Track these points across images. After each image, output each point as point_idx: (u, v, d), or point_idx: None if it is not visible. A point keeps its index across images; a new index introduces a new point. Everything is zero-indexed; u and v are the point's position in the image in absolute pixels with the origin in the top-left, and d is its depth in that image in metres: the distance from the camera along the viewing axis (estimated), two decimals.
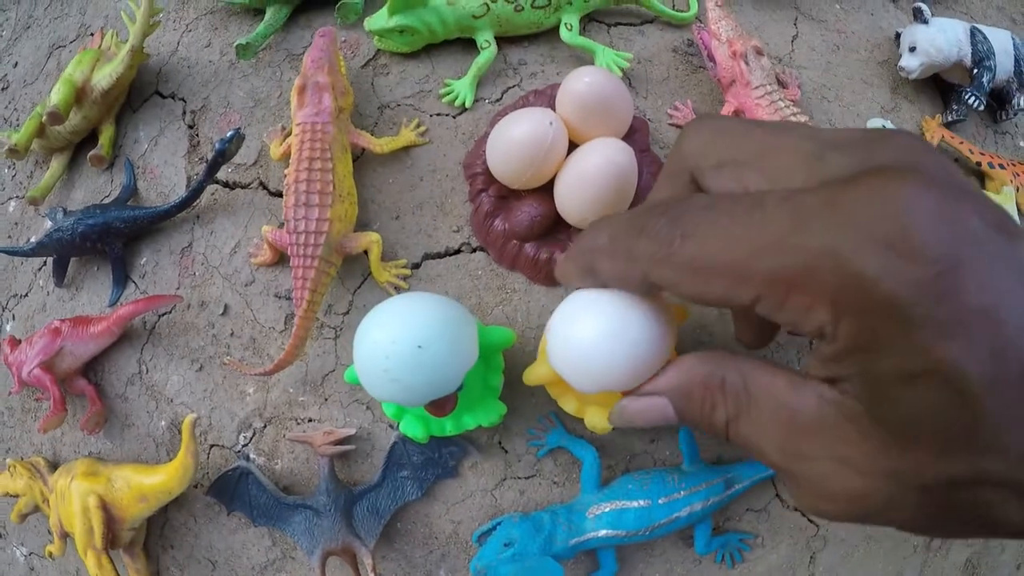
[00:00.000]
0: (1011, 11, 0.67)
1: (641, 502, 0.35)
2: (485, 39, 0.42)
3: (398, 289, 0.40)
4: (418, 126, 0.42)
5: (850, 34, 0.52)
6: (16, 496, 0.52)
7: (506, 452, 0.40)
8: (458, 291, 0.40)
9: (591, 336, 0.19)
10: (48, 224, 0.53)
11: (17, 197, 0.60)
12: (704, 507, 0.36)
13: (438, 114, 0.43)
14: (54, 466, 0.53)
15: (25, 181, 0.60)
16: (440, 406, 0.32)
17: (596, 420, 0.31)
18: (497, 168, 0.36)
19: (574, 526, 0.35)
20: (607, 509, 0.35)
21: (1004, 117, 0.55)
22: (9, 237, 0.60)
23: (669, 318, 0.21)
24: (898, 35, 0.54)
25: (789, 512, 0.44)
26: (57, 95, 0.48)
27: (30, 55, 0.66)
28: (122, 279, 0.49)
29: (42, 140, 0.52)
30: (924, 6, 0.50)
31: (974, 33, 0.53)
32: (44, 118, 0.48)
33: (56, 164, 0.55)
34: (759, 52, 0.40)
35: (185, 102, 0.50)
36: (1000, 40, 0.55)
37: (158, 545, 0.49)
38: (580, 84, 0.34)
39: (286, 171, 0.39)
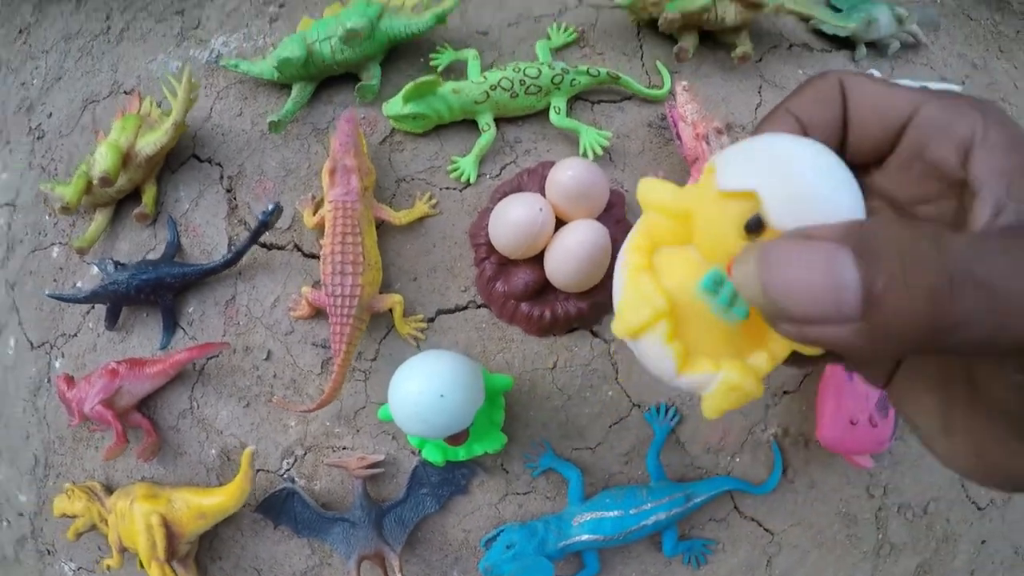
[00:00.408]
0: (971, 57, 0.79)
1: (616, 512, 0.49)
2: (486, 122, 0.55)
3: (417, 340, 0.54)
4: (430, 199, 0.55)
5: None
6: (73, 517, 0.66)
7: (507, 473, 0.53)
8: (466, 341, 0.53)
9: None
10: (99, 274, 0.67)
11: (60, 243, 0.74)
12: (668, 516, 0.49)
13: (447, 188, 0.56)
14: (108, 490, 0.68)
15: (67, 228, 0.74)
16: (456, 438, 0.45)
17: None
18: (497, 242, 0.49)
19: (562, 532, 0.49)
20: (588, 518, 0.49)
21: None
22: (54, 281, 0.74)
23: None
24: None
25: (747, 522, 0.57)
26: (106, 161, 0.61)
27: (64, 107, 0.79)
28: (172, 326, 0.62)
29: (88, 196, 0.66)
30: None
31: None
32: (96, 182, 0.62)
33: (101, 217, 0.68)
34: (719, 132, 0.53)
35: (222, 167, 0.63)
36: None
37: (207, 556, 0.63)
38: (564, 176, 0.47)
39: (320, 240, 0.52)
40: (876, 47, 0.70)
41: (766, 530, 0.54)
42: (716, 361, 0.16)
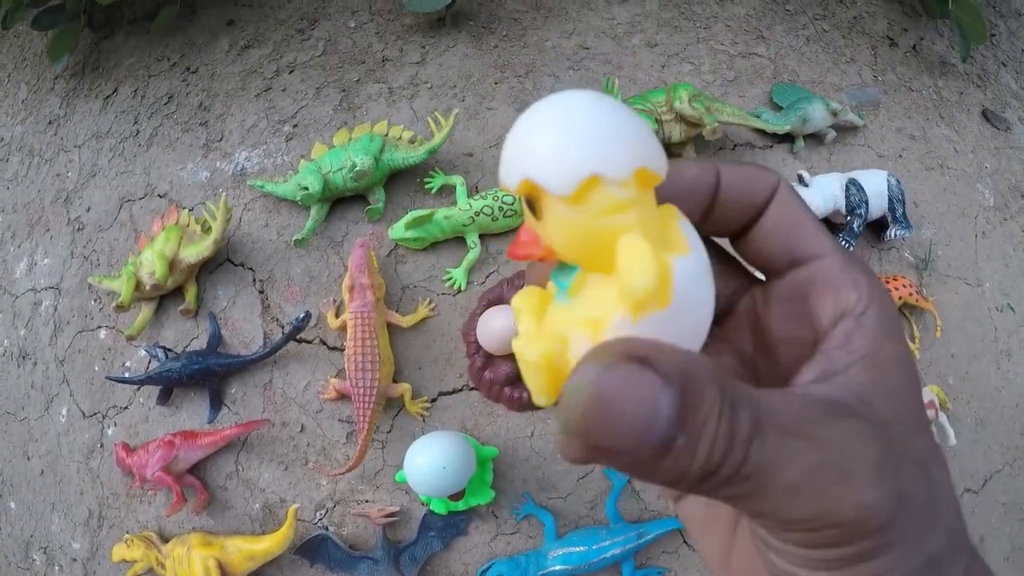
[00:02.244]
0: (910, 129, 1.02)
1: (582, 548, 0.74)
2: (473, 240, 0.80)
3: (423, 416, 0.79)
4: (430, 303, 0.81)
5: None
6: (131, 562, 0.93)
7: (497, 518, 0.79)
8: (462, 416, 0.78)
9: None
10: (147, 356, 0.93)
11: (107, 327, 1.00)
12: (623, 551, 0.75)
13: (443, 294, 0.81)
14: (163, 538, 0.94)
15: (112, 313, 1.00)
16: (456, 496, 0.71)
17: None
18: (484, 342, 0.75)
19: (540, 564, 0.74)
20: (561, 553, 0.75)
21: (884, 239, 0.91)
22: (103, 360, 1.00)
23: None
24: None
25: (694, 553, 0.82)
26: (159, 271, 0.87)
27: (101, 203, 1.04)
28: (218, 405, 0.88)
29: (135, 292, 0.92)
30: (805, 174, 0.85)
31: (848, 186, 0.88)
32: (149, 287, 0.88)
33: (147, 309, 0.94)
34: None
35: (254, 271, 0.89)
36: (875, 184, 0.90)
37: None
38: None
39: (345, 342, 0.78)
40: (816, 136, 0.94)
41: None
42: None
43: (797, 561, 0.15)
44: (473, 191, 0.83)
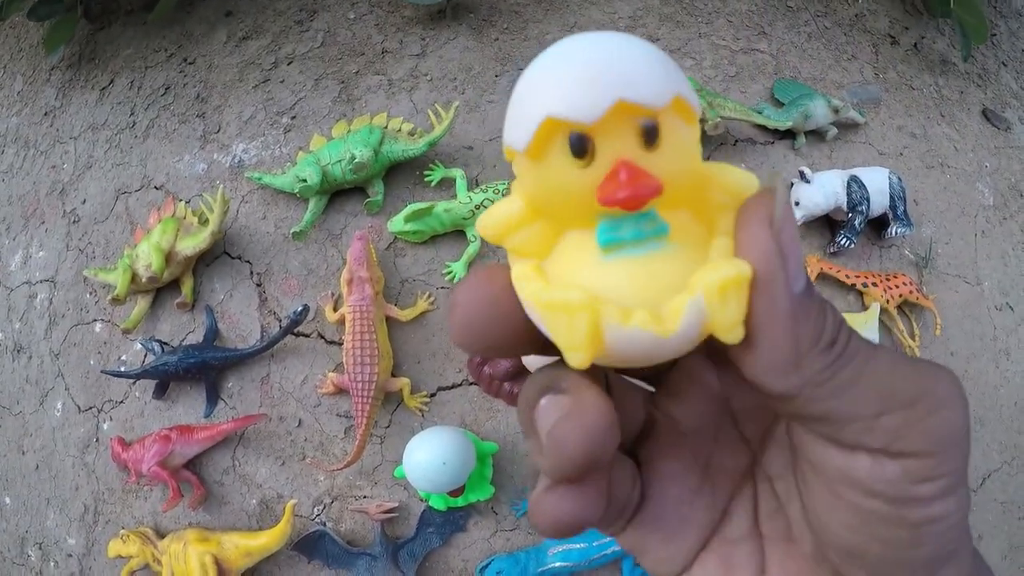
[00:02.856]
0: (911, 127, 1.01)
1: (582, 544, 0.73)
2: (472, 233, 0.78)
3: (422, 412, 0.78)
4: (429, 297, 0.80)
5: None
6: (127, 557, 0.91)
7: (496, 514, 0.78)
8: (462, 411, 0.77)
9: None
10: (143, 350, 0.92)
11: (103, 320, 0.98)
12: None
13: (442, 287, 0.79)
14: (159, 534, 0.92)
15: (108, 306, 0.98)
16: (455, 492, 0.70)
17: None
18: None
19: (540, 561, 0.73)
20: (561, 550, 0.74)
21: (884, 237, 0.91)
22: (99, 353, 0.99)
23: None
24: (791, 184, 0.88)
25: None
26: (155, 263, 0.85)
27: (97, 195, 1.02)
28: (215, 399, 0.87)
29: (131, 285, 0.90)
30: (806, 170, 0.85)
31: (850, 183, 0.87)
32: (145, 280, 0.86)
33: (143, 302, 0.92)
34: None
35: (251, 264, 0.87)
36: (876, 181, 0.89)
37: None
38: None
39: (343, 336, 0.76)
40: (817, 133, 0.93)
41: None
42: (687, 289, 0.15)
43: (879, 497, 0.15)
44: (473, 184, 0.81)
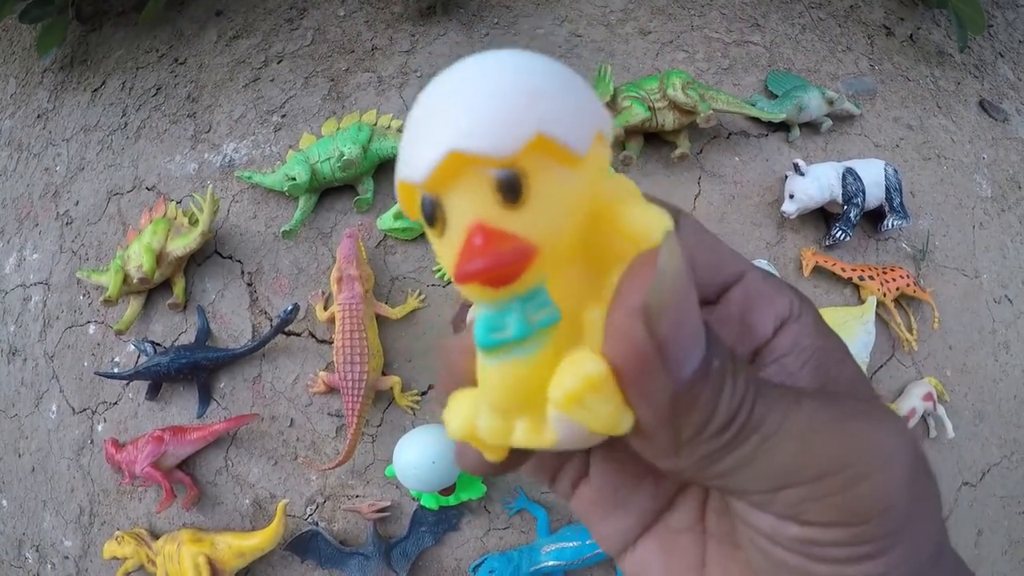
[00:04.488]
0: (907, 119, 1.00)
1: (575, 543, 0.72)
2: None
3: (413, 410, 0.77)
4: (419, 294, 0.79)
5: (745, 183, 0.86)
6: (122, 559, 0.90)
7: (489, 513, 0.77)
8: None
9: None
10: (136, 351, 0.91)
11: (96, 322, 0.98)
12: None
13: (432, 285, 0.78)
14: (154, 535, 0.92)
15: (101, 308, 0.97)
16: (446, 491, 0.69)
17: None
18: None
19: (533, 559, 0.72)
20: (554, 548, 0.72)
21: (881, 230, 0.89)
22: (92, 355, 0.98)
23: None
24: (786, 177, 0.87)
25: None
26: (146, 264, 0.84)
27: (89, 196, 1.02)
28: (207, 399, 0.86)
29: (123, 286, 0.89)
30: (801, 162, 0.83)
31: (845, 175, 0.86)
32: (136, 281, 0.86)
33: (135, 303, 0.92)
34: None
35: (242, 264, 0.86)
36: (872, 173, 0.88)
37: None
38: None
39: (333, 335, 0.75)
40: (812, 125, 0.92)
41: None
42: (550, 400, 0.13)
43: (795, 556, 0.14)
44: None
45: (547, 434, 0.13)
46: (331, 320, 0.76)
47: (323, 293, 0.79)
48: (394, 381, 0.74)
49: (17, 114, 1.14)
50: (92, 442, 0.95)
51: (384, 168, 0.82)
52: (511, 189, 0.12)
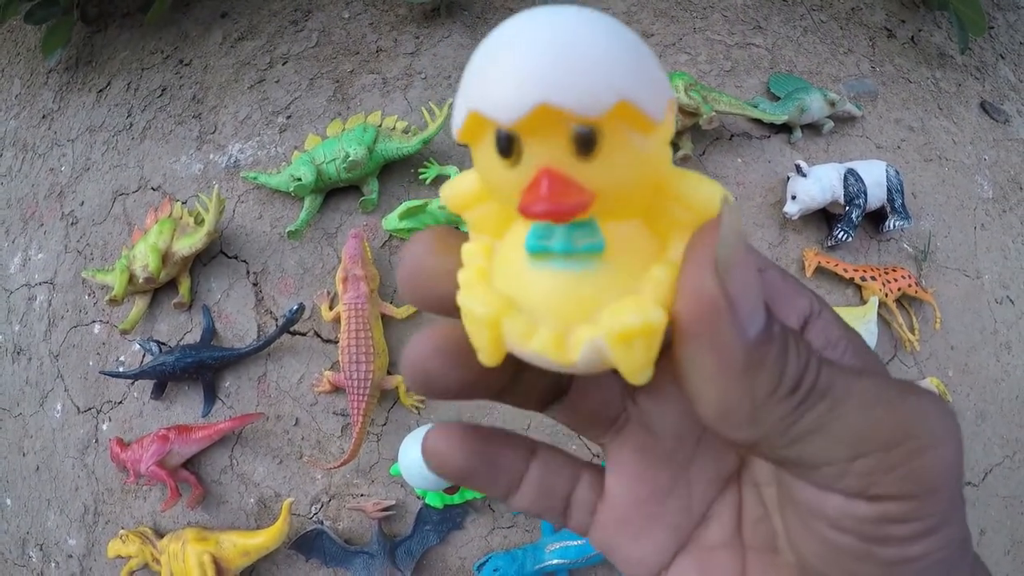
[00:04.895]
0: (908, 120, 1.01)
1: (578, 541, 0.73)
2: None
3: (418, 409, 0.78)
4: None
5: (748, 184, 0.87)
6: (127, 557, 0.91)
7: (493, 511, 0.77)
8: (458, 408, 0.76)
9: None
10: (141, 351, 0.92)
11: (101, 321, 0.98)
12: None
13: None
14: (158, 534, 0.92)
15: (107, 307, 0.98)
16: (451, 489, 0.70)
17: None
18: None
19: (538, 558, 0.73)
20: (558, 547, 0.73)
21: (883, 231, 0.90)
22: (97, 355, 0.99)
23: None
24: (788, 178, 0.88)
25: None
26: (151, 263, 0.85)
27: (95, 197, 1.03)
28: (212, 398, 0.86)
29: (129, 286, 0.90)
30: (803, 164, 0.84)
31: (847, 176, 0.87)
32: (142, 280, 0.86)
33: (140, 303, 0.92)
34: None
35: (247, 264, 0.87)
36: (874, 174, 0.88)
37: None
38: None
39: (338, 335, 0.76)
40: (813, 127, 0.92)
41: None
42: (593, 323, 0.14)
43: (848, 537, 0.14)
44: None
45: (568, 352, 0.14)
46: (336, 320, 0.76)
47: (328, 293, 0.80)
48: (399, 380, 0.74)
49: (22, 114, 1.15)
50: (97, 441, 0.95)
51: (389, 169, 0.83)
52: (586, 144, 0.13)
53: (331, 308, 0.78)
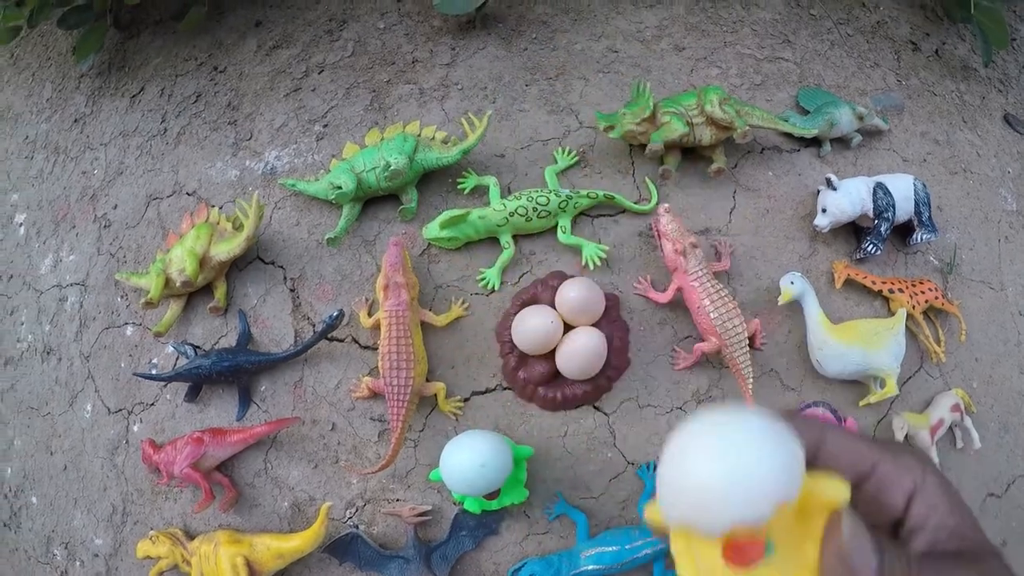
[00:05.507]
0: (934, 133, 1.02)
1: (614, 547, 0.74)
2: (506, 240, 0.80)
3: (456, 416, 0.79)
4: (463, 303, 0.81)
5: (778, 197, 0.89)
6: (156, 558, 0.92)
7: (528, 517, 0.79)
8: (495, 416, 0.78)
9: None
10: (174, 353, 0.93)
11: (134, 323, 1.00)
12: (655, 551, 0.74)
13: (476, 293, 0.81)
14: (188, 536, 0.94)
15: (139, 310, 0.99)
16: (492, 495, 0.71)
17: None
18: (518, 341, 0.75)
19: (573, 564, 0.74)
20: (593, 552, 0.74)
21: (910, 243, 0.91)
22: (130, 356, 1.00)
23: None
24: (818, 191, 0.89)
25: None
26: (189, 268, 0.86)
27: (128, 200, 1.04)
28: (247, 402, 0.88)
29: (164, 290, 0.91)
30: (833, 177, 0.85)
31: (876, 190, 0.88)
32: (179, 284, 0.88)
33: (175, 306, 0.94)
34: (694, 246, 0.77)
35: (284, 270, 0.89)
36: (902, 188, 0.90)
37: None
38: (570, 296, 0.72)
39: (378, 341, 0.78)
40: (843, 140, 0.94)
41: None
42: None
43: None
44: (506, 192, 0.83)
45: None
46: (375, 326, 0.78)
47: (366, 300, 0.81)
48: (439, 387, 0.76)
49: (54, 118, 1.17)
50: (127, 442, 0.97)
51: (427, 179, 0.84)
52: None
53: (369, 315, 0.80)
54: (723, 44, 0.95)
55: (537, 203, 0.78)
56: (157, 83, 1.08)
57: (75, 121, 1.13)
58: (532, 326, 0.71)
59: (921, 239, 0.89)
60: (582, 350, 0.70)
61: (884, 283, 0.87)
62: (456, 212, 0.76)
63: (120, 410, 0.97)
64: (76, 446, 1.02)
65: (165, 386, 0.93)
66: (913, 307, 0.87)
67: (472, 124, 0.82)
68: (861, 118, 0.93)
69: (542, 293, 0.76)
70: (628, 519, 0.77)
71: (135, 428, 0.96)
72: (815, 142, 0.93)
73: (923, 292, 0.88)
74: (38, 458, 1.07)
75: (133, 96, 1.09)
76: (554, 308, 0.73)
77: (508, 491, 0.72)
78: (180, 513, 0.92)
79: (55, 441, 1.05)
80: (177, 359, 0.92)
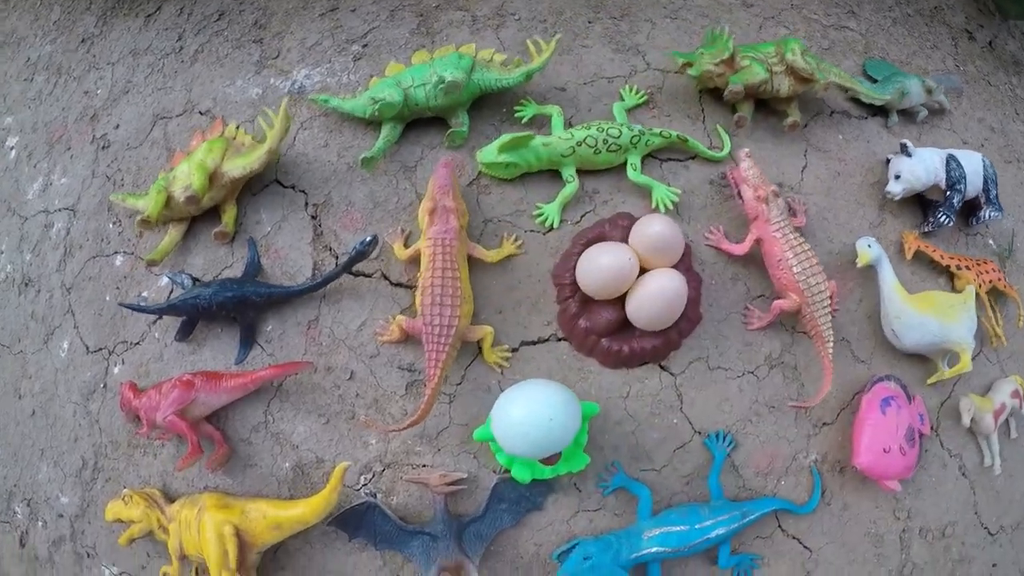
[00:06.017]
0: (990, 121, 0.90)
1: (682, 527, 0.55)
2: (570, 173, 0.61)
3: (501, 368, 0.59)
4: (516, 240, 0.61)
5: (849, 161, 0.74)
6: (128, 522, 0.68)
7: (579, 491, 0.59)
8: (548, 370, 0.58)
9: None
10: (168, 286, 0.70)
11: (125, 252, 0.77)
12: (727, 531, 0.56)
13: (531, 231, 0.61)
14: (168, 498, 0.70)
15: (132, 238, 0.76)
16: (551, 459, 0.51)
17: None
18: (585, 283, 0.56)
19: (634, 545, 0.54)
20: (657, 533, 0.55)
21: (974, 223, 0.77)
22: (117, 289, 0.76)
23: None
24: (888, 160, 0.75)
25: (789, 540, 0.64)
26: (196, 181, 0.65)
27: (133, 120, 0.82)
28: (250, 343, 0.65)
29: (164, 211, 0.69)
30: (909, 143, 0.71)
31: (949, 160, 0.74)
32: (182, 200, 0.66)
33: (175, 232, 0.71)
34: (776, 195, 0.61)
35: (306, 194, 0.68)
36: (972, 163, 0.76)
37: (270, 566, 0.66)
38: (652, 231, 0.54)
39: (416, 276, 0.57)
40: (907, 114, 0.80)
41: (805, 547, 0.62)
42: None
43: None
44: (567, 127, 0.64)
45: None
46: (412, 259, 0.58)
47: (403, 231, 0.61)
48: (486, 332, 0.57)
49: (59, 39, 0.94)
50: (105, 386, 0.74)
51: (478, 104, 0.66)
52: None
53: (406, 246, 0.59)
54: (789, 6, 0.80)
55: (608, 134, 0.60)
56: (176, 2, 0.86)
57: (82, 41, 0.91)
58: (605, 264, 0.53)
59: (988, 216, 0.75)
60: (661, 294, 0.52)
61: (952, 259, 0.73)
62: (520, 134, 0.57)
63: (100, 349, 0.74)
64: (48, 389, 0.78)
65: (155, 322, 0.71)
66: (979, 285, 0.72)
67: (539, 47, 0.63)
68: (930, 91, 0.79)
69: (611, 232, 0.57)
70: (691, 496, 0.58)
71: (115, 370, 0.73)
72: (881, 111, 0.79)
73: (987, 272, 0.74)
74: (5, 401, 0.82)
75: (148, 15, 0.88)
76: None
77: (567, 456, 0.52)
78: (160, 471, 0.70)
79: (24, 383, 0.81)
80: (171, 291, 0.69)
